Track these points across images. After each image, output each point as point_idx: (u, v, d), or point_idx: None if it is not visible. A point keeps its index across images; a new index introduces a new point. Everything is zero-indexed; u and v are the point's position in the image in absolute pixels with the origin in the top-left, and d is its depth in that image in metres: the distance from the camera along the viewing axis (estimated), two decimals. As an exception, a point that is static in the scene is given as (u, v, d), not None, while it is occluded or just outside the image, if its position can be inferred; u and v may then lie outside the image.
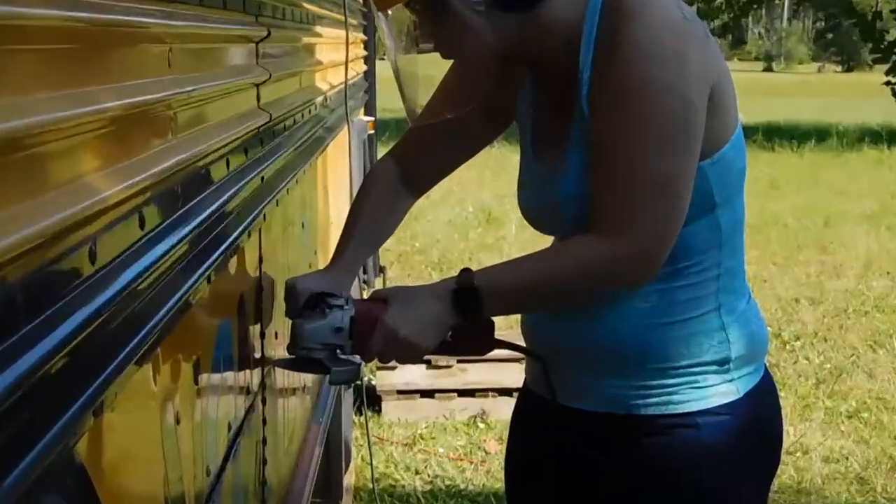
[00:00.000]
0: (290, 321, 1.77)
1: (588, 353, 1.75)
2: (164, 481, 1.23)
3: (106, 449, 1.01)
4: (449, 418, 4.92)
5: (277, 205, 2.03)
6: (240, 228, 1.61)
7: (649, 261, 1.63)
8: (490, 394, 4.88)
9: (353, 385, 4.21)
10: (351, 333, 1.72)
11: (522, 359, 1.97)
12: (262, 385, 1.91)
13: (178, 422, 1.27)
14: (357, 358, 1.77)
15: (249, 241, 1.73)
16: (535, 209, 1.80)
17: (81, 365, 0.93)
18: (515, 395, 5.37)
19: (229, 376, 1.62)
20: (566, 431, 1.81)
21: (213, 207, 1.43)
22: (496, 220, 9.36)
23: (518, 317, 1.90)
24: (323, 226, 2.99)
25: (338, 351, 1.74)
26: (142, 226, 1.11)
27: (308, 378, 2.60)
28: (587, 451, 1.79)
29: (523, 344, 1.86)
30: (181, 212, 1.27)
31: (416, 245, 8.41)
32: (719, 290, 1.74)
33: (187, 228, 1.28)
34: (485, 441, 4.70)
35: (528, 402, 1.93)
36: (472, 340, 1.75)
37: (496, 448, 4.59)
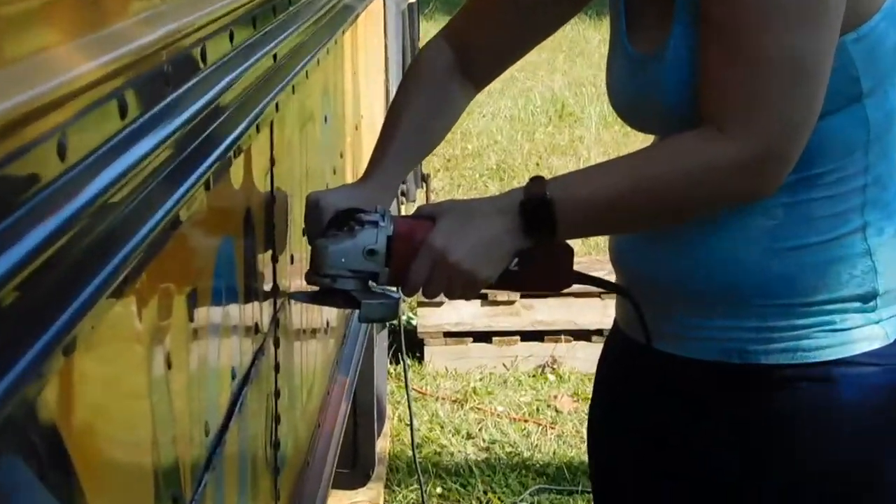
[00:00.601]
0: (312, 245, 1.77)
1: (693, 286, 1.74)
2: (153, 441, 1.25)
3: (79, 399, 1.02)
4: (510, 368, 4.95)
5: (294, 92, 2.03)
6: (246, 121, 1.61)
7: (777, 162, 1.62)
8: (562, 337, 4.90)
9: (388, 324, 4.23)
10: (388, 258, 1.72)
11: (604, 292, 1.97)
12: (275, 322, 1.92)
13: (168, 367, 1.28)
14: (395, 290, 1.77)
15: (258, 138, 1.73)
16: (627, 100, 1.79)
17: (47, 291, 0.93)
18: (595, 339, 5.34)
19: (233, 311, 1.63)
20: (664, 384, 1.82)
21: (212, 94, 1.42)
22: (571, 116, 9.32)
23: (601, 241, 1.89)
24: (351, 121, 2.99)
25: (370, 281, 1.74)
26: (122, 114, 1.11)
27: (333, 315, 2.62)
28: (688, 410, 1.80)
29: (607, 277, 1.85)
30: (172, 98, 1.27)
31: (467, 147, 8.40)
32: (865, 205, 1.73)
33: (179, 119, 1.27)
34: (555, 397, 4.72)
35: (618, 346, 1.94)
36: (544, 271, 1.74)
37: (570, 406, 4.61)
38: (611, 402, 1.96)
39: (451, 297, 1.74)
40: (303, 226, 1.87)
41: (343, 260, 1.72)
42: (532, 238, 1.68)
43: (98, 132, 1.06)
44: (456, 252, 1.68)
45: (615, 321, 1.97)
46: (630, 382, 1.89)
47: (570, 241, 1.76)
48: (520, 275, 1.72)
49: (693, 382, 1.79)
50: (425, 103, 1.92)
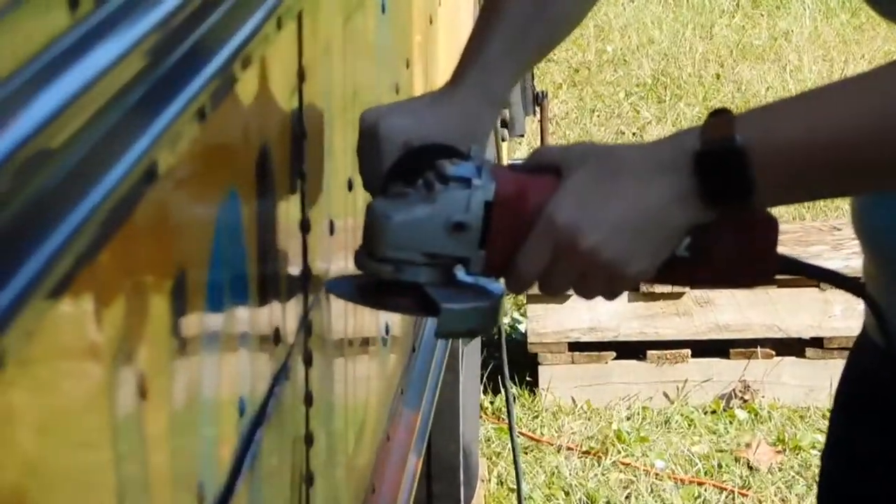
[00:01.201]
0: (365, 204, 1.79)
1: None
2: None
3: (10, 444, 1.03)
4: (674, 400, 4.96)
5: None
6: (260, 13, 1.63)
7: None
8: (759, 350, 4.88)
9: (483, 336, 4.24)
10: (484, 235, 1.74)
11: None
12: (305, 329, 1.93)
13: (142, 398, 1.30)
14: (495, 284, 1.79)
15: (279, 38, 1.75)
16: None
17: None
18: (810, 353, 5.31)
19: (240, 313, 1.65)
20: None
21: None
22: (771, 0, 9.29)
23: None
24: (423, 9, 2.99)
25: (457, 269, 1.76)
26: (73, 4, 1.13)
27: (395, 315, 2.63)
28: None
29: (832, 258, 1.87)
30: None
31: (606, 50, 8.40)
32: None
33: (158, 12, 1.29)
34: (748, 446, 4.73)
35: (865, 359, 1.97)
36: (731, 258, 1.76)
37: (772, 459, 4.59)
38: (848, 439, 2.00)
39: (587, 295, 1.75)
40: (347, 175, 1.88)
41: (414, 237, 1.73)
42: (714, 208, 1.69)
43: (35, 32, 1.07)
44: (593, 232, 1.69)
45: (864, 326, 1.99)
46: (878, 415, 1.92)
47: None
48: (694, 263, 1.74)
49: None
50: None
